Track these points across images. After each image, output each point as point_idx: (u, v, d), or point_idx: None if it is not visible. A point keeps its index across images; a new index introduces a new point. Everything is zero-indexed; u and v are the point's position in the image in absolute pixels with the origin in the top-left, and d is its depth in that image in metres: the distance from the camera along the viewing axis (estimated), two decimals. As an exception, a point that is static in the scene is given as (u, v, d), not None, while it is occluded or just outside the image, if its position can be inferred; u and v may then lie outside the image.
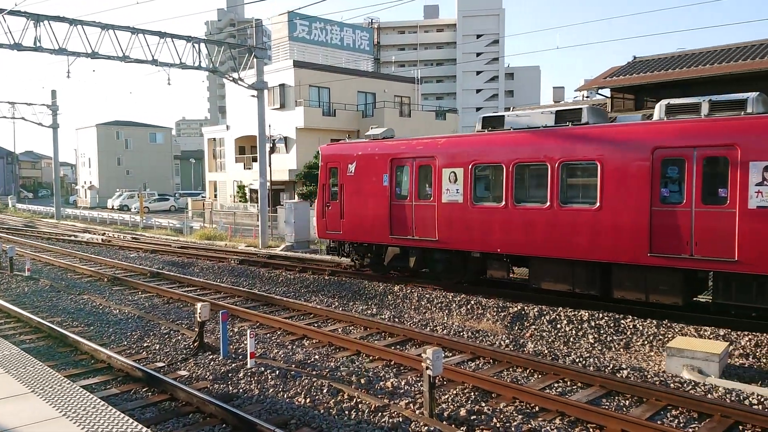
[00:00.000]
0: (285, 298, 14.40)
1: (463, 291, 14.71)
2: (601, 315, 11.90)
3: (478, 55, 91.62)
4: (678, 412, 7.31)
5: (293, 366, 9.09)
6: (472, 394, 7.98)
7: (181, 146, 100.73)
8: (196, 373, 8.86)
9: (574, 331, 11.69)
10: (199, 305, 9.90)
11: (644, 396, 7.68)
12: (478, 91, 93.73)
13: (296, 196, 37.45)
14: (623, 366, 9.11)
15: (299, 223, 25.69)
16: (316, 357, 9.61)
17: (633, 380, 8.33)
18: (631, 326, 11.30)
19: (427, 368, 6.97)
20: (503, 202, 13.09)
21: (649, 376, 8.61)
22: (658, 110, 11.71)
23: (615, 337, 11.18)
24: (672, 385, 8.27)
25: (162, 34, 24.50)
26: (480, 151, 13.64)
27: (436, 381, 7.61)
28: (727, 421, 6.92)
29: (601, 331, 11.42)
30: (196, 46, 25.38)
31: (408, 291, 15.04)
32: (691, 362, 9.17)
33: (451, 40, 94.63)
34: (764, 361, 9.56)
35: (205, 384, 8.37)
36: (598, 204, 11.74)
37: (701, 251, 10.55)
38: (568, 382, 8.38)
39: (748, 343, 10.04)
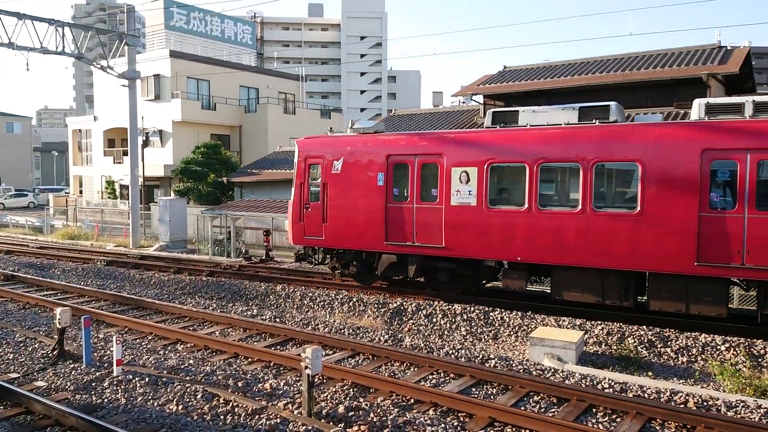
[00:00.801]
0: (157, 301, 13.69)
1: (345, 289, 14.85)
2: (472, 308, 12.53)
3: (362, 56, 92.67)
4: (540, 397, 7.89)
5: (165, 372, 8.68)
6: (351, 390, 8.09)
7: (42, 137, 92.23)
8: (56, 384, 8.18)
9: (448, 325, 12.22)
10: (58, 310, 9.15)
11: (510, 384, 8.21)
12: (362, 92, 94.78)
13: (172, 193, 35.70)
14: (492, 356, 9.67)
15: (175, 222, 24.54)
16: (191, 362, 9.25)
17: (500, 369, 8.87)
18: (499, 318, 12.02)
19: (306, 367, 6.95)
20: (526, 206, 11.76)
21: (514, 365, 9.21)
22: (698, 109, 10.99)
23: (485, 329, 11.83)
24: (534, 372, 8.91)
25: (20, 15, 22.34)
26: (498, 149, 12.25)
27: (316, 380, 7.63)
28: (582, 404, 7.56)
29: (473, 324, 12.04)
30: (60, 29, 23.39)
31: (291, 290, 14.90)
32: (551, 350, 9.94)
33: (336, 39, 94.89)
34: (614, 348, 10.58)
35: (66, 395, 7.76)
36: (638, 209, 10.77)
37: (753, 260, 9.93)
38: (442, 374, 8.74)
39: (601, 332, 11.06)
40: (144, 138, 32.73)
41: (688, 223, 10.34)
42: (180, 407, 7.35)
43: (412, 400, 7.69)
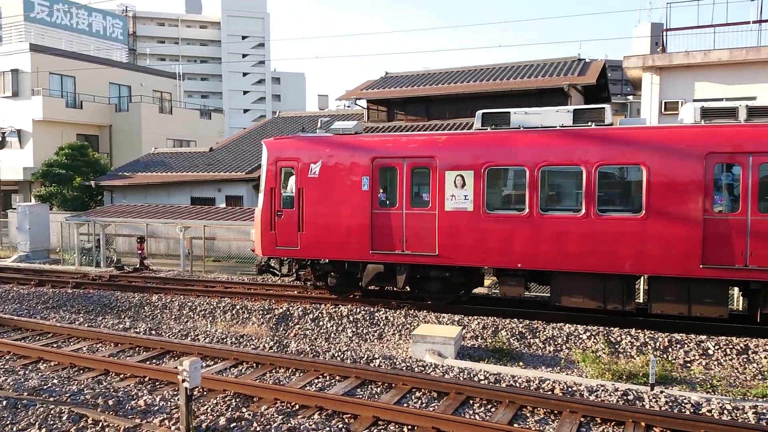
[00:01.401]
0: (16, 317, 12.48)
1: (228, 296, 14.42)
2: (358, 309, 12.68)
3: (244, 56, 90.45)
4: (421, 393, 8.14)
5: (26, 394, 7.93)
6: (234, 401, 7.87)
7: None
8: None
9: (334, 327, 12.26)
10: None
11: (393, 382, 8.40)
12: (245, 92, 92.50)
13: (33, 199, 32.65)
14: (377, 356, 9.84)
15: (36, 230, 22.51)
16: (55, 381, 8.53)
17: (384, 368, 9.05)
18: (384, 318, 12.26)
19: (184, 380, 6.66)
20: (527, 211, 11.47)
21: (398, 363, 9.44)
22: (693, 113, 11.10)
23: (370, 329, 12.02)
24: (417, 369, 9.18)
25: None
26: (496, 151, 11.82)
27: (195, 393, 7.33)
28: (460, 397, 7.90)
29: (359, 325, 12.18)
30: None
31: (168, 300, 14.20)
32: (432, 347, 10.31)
33: (216, 38, 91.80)
34: (489, 341, 11.17)
35: None
36: (643, 213, 10.76)
37: (756, 261, 10.16)
38: (328, 377, 8.76)
39: (477, 326, 11.63)
40: (0, 138, 29.68)
41: (694, 225, 10.43)
42: (43, 431, 6.75)
43: (297, 406, 7.63)
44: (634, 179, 11.12)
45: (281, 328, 12.55)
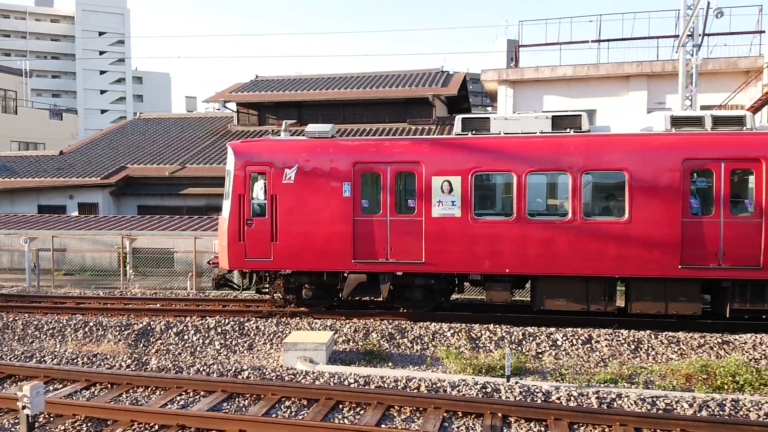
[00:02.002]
0: None
1: (81, 312, 13.31)
2: (227, 320, 12.28)
3: (101, 53, 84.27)
4: (291, 402, 8.05)
5: None
6: (85, 425, 7.27)
7: None
8: None
9: (201, 340, 11.77)
10: None
11: (262, 393, 8.22)
12: (103, 92, 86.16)
13: None
14: (245, 367, 9.58)
15: None
16: None
17: (253, 380, 8.84)
18: (254, 328, 11.98)
19: (24, 407, 6.06)
20: (514, 216, 11.53)
21: (267, 373, 9.26)
22: (663, 121, 11.61)
23: (240, 340, 11.68)
24: (287, 377, 9.07)
25: None
26: (483, 156, 11.75)
27: (38, 419, 6.69)
28: (330, 402, 7.92)
29: (227, 336, 11.80)
30: None
31: (9, 319, 12.82)
32: (303, 354, 10.24)
33: (70, 33, 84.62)
34: (361, 344, 11.33)
35: None
36: (627, 216, 11.14)
37: (730, 260, 10.86)
38: (191, 393, 8.38)
39: (349, 330, 11.74)
40: None
41: (673, 228, 10.97)
42: None
43: (156, 426, 7.21)
44: (618, 185, 11.41)
45: (141, 345, 11.81)
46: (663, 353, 10.48)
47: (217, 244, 13.05)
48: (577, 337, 11.06)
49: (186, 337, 11.92)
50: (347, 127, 25.07)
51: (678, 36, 18.42)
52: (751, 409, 7.58)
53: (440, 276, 12.29)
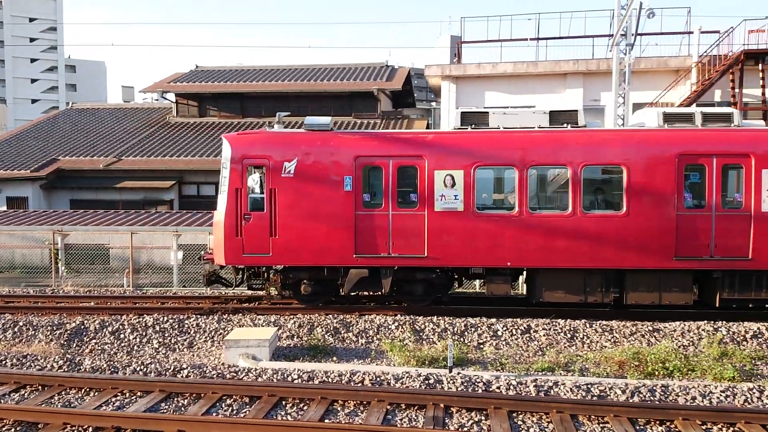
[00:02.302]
0: None
1: (9, 312, 12.65)
2: (166, 318, 11.95)
3: (32, 40, 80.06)
4: (233, 400, 7.90)
5: None
6: (14, 429, 6.93)
7: None
8: None
9: (138, 339, 11.40)
10: None
11: (202, 392, 8.04)
12: (33, 80, 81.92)
13: None
14: (185, 366, 9.34)
15: None
16: None
17: (192, 379, 8.63)
18: (194, 325, 11.71)
19: (-57, 414, 5.69)
20: (516, 210, 11.70)
21: (208, 371, 9.06)
22: (656, 117, 12.03)
23: (179, 338, 11.39)
24: (228, 375, 8.91)
25: None
26: (485, 151, 11.83)
27: (-41, 427, 6.32)
28: (273, 399, 7.81)
29: (166, 334, 11.47)
30: None
31: (-73, 321, 12.05)
32: (246, 350, 10.08)
33: (-5, 17, 79.96)
34: (305, 339, 11.25)
35: None
36: (624, 210, 11.47)
37: (721, 252, 11.31)
38: (128, 394, 8.10)
39: (293, 325, 11.64)
40: None
41: (668, 221, 11.34)
42: None
43: (90, 429, 6.94)
44: (616, 179, 11.71)
45: (74, 345, 11.33)
46: (597, 341, 10.89)
47: (212, 239, 12.66)
48: (516, 327, 11.34)
49: (122, 336, 11.52)
50: (292, 120, 24.80)
51: (612, 35, 19.13)
52: (680, 393, 7.98)
53: (442, 270, 12.34)
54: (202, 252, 13.50)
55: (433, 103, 44.32)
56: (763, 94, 20.42)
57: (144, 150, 25.66)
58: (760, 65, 20.48)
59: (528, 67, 22.85)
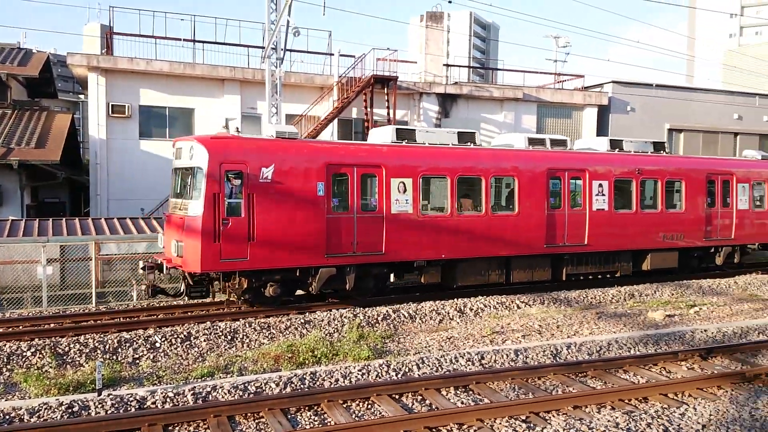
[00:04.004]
0: None
1: None
2: None
3: None
4: None
5: None
6: None
7: None
8: None
9: None
10: None
11: None
12: None
13: None
14: None
15: None
16: None
17: None
18: None
19: None
20: (449, 212, 14.14)
21: None
22: (524, 141, 15.97)
23: None
24: None
25: None
26: (427, 162, 14.05)
27: None
28: None
29: None
30: None
31: None
32: None
33: None
34: None
35: None
36: (516, 210, 14.78)
37: (570, 240, 15.49)
38: None
39: None
40: None
41: (542, 218, 15.06)
42: None
43: None
44: (510, 185, 15.11)
45: None
46: (256, 339, 11.36)
47: (180, 246, 12.15)
48: (176, 336, 11.04)
49: None
50: None
51: (264, 47, 20.16)
52: (326, 378, 8.88)
53: (395, 264, 14.04)
54: (142, 262, 13.23)
55: (81, 96, 39.72)
56: (388, 114, 24.24)
57: None
58: (385, 89, 24.24)
59: (185, 68, 22.37)
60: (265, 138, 13.33)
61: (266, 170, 12.38)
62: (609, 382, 8.84)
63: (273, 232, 12.37)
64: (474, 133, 15.56)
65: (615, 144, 16.93)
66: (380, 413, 7.66)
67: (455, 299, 14.34)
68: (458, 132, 15.26)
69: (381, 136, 14.86)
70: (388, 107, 24.22)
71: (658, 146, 17.52)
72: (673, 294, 15.59)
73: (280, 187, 12.50)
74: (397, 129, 14.79)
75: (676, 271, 17.52)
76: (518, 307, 14.16)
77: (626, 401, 7.99)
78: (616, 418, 7.17)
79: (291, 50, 23.49)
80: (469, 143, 15.08)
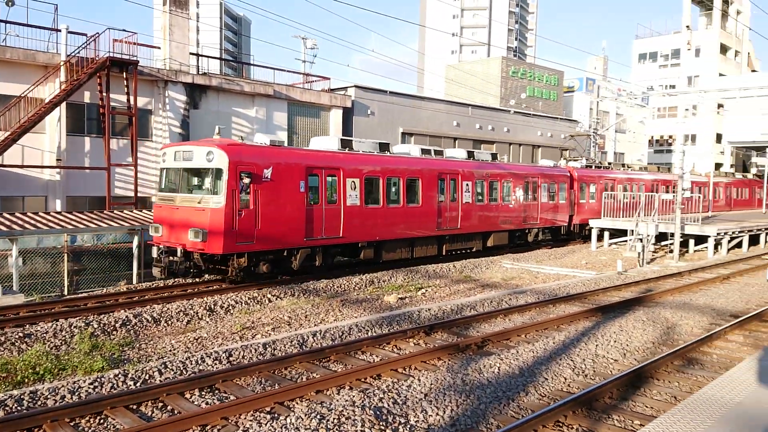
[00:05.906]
0: None
1: None
2: None
3: None
4: None
5: None
6: None
7: None
8: None
9: None
10: None
11: None
12: None
13: None
14: None
15: None
16: None
17: None
18: None
19: None
20: (381, 204, 18.39)
21: None
22: (419, 151, 21.36)
23: None
24: None
25: None
26: (368, 166, 18.10)
27: None
28: None
29: None
30: None
31: None
32: None
33: None
34: None
35: None
36: (420, 203, 19.72)
37: (446, 225, 20.77)
38: None
39: None
40: None
41: (435, 208, 20.16)
42: None
43: None
44: (416, 184, 19.59)
45: None
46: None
47: (203, 233, 14.50)
48: None
49: None
50: None
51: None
52: (50, 396, 7.88)
53: (348, 245, 17.84)
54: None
55: None
56: (128, 100, 22.37)
57: None
58: (125, 74, 22.29)
59: None
60: (263, 145, 16.63)
61: (267, 171, 15.37)
62: (348, 364, 9.52)
63: (271, 221, 15.44)
64: (389, 143, 20.61)
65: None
66: (115, 427, 7.11)
67: (204, 297, 13.96)
68: (379, 143, 20.09)
69: (326, 143, 18.87)
70: (128, 93, 22.34)
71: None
72: (405, 279, 17.44)
73: (276, 185, 15.59)
74: (341, 139, 19.07)
75: (507, 246, 24.26)
76: (269, 301, 14.39)
77: (362, 380, 8.71)
78: (353, 396, 7.76)
79: (6, 21, 20.18)
80: (386, 152, 19.91)
